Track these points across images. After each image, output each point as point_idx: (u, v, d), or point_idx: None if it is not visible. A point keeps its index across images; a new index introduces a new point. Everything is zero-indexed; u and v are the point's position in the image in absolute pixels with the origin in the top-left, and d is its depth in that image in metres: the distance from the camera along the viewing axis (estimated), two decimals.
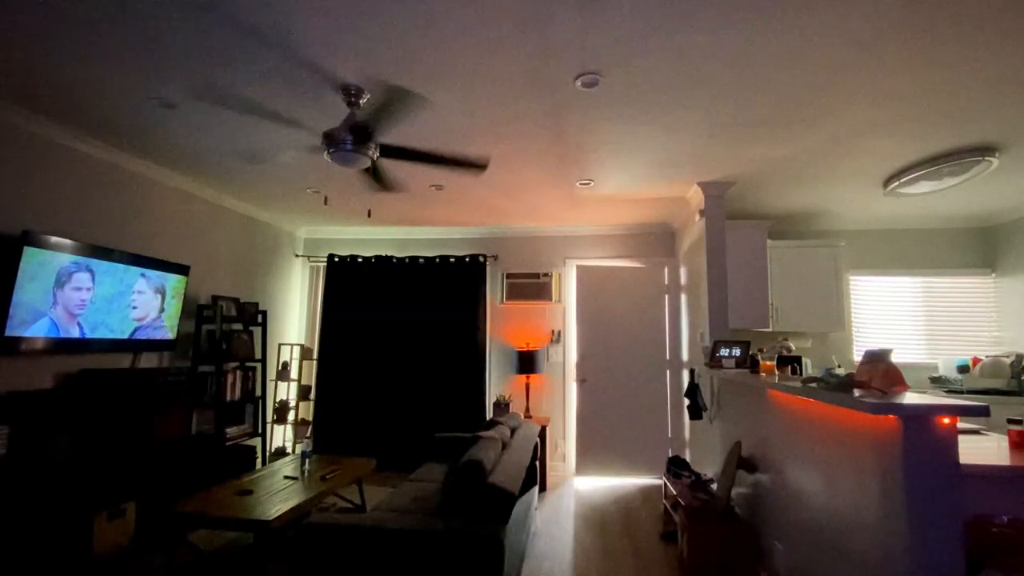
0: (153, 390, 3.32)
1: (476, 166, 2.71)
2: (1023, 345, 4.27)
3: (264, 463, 4.58)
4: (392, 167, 3.45)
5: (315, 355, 5.37)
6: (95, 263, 3.09)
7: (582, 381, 4.94)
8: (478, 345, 5.14)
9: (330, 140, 2.44)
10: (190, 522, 2.37)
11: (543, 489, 4.44)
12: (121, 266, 3.25)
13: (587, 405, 4.92)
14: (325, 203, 3.80)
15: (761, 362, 2.61)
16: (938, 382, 4.38)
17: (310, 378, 5.35)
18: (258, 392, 4.54)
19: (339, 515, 2.06)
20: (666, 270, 5.06)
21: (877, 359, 1.84)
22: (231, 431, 4.00)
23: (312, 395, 5.25)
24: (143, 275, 3.39)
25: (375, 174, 2.93)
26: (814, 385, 1.94)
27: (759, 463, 2.73)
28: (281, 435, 5.09)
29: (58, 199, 3.02)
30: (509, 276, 5.27)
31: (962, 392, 4.03)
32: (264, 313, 4.61)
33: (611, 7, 1.83)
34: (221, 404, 3.93)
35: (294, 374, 5.19)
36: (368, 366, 5.23)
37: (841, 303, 4.23)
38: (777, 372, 2.60)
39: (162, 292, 3.55)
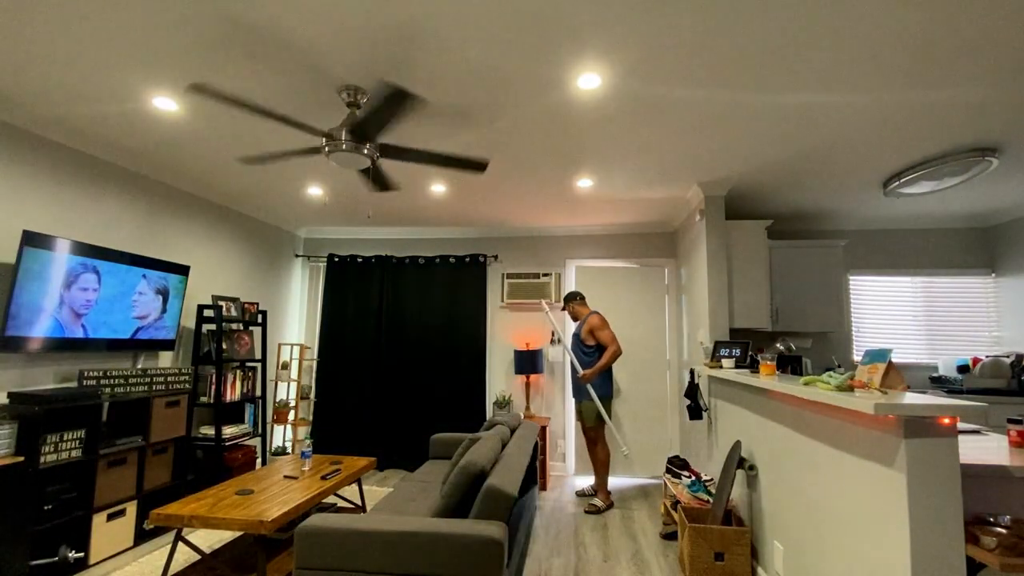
0: (153, 390, 3.33)
1: (476, 166, 2.70)
2: (1023, 345, 4.27)
3: (264, 463, 4.58)
4: (391, 167, 3.46)
5: (315, 355, 5.37)
6: (101, 264, 3.09)
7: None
8: (478, 345, 5.14)
9: (331, 140, 2.43)
10: (190, 522, 2.37)
11: (543, 489, 4.44)
12: (124, 267, 3.25)
13: None
14: (324, 204, 3.80)
15: (761, 362, 2.61)
16: (938, 382, 4.38)
17: (310, 378, 5.36)
18: (258, 392, 4.54)
19: (338, 515, 2.06)
20: (666, 270, 5.06)
21: (877, 359, 1.84)
22: (231, 431, 4.00)
23: (312, 395, 5.26)
24: (144, 276, 3.39)
25: (375, 175, 2.92)
26: (814, 385, 1.94)
27: (759, 463, 2.73)
28: (281, 435, 5.09)
29: (59, 199, 3.02)
30: (509, 276, 5.26)
31: (962, 392, 4.03)
32: (264, 313, 4.61)
33: (611, 5, 1.83)
34: (221, 404, 3.93)
35: (294, 374, 5.19)
36: (368, 366, 5.23)
37: (841, 303, 4.23)
38: (777, 372, 2.60)
39: (164, 293, 3.55)
